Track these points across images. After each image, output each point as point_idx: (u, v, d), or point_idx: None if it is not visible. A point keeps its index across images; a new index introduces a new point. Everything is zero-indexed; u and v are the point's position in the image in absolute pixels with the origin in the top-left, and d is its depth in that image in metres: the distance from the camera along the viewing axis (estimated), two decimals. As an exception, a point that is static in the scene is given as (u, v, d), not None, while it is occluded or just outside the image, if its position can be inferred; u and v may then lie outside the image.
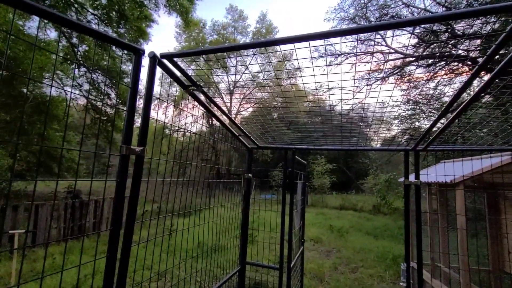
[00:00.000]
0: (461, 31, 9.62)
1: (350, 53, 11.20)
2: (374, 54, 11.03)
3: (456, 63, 10.97)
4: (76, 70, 12.99)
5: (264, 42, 1.26)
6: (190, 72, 1.67)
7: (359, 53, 10.88)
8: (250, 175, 2.68)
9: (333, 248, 7.30)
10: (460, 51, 10.47)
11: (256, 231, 7.15)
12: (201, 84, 1.65)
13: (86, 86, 13.00)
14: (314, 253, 6.85)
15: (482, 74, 10.02)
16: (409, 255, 2.15)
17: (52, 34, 11.37)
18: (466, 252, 2.64)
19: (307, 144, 3.21)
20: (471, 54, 9.97)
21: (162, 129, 17.11)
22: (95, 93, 12.46)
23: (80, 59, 11.59)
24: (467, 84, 1.25)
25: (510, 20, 7.14)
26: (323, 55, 7.69)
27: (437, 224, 3.70)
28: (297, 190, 3.10)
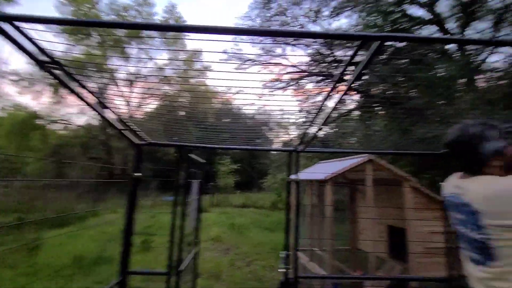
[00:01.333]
0: (340, 56, 11.86)
1: (256, 61, 11.97)
2: (277, 66, 12.14)
3: (336, 82, 13.38)
4: None
5: (157, 26, 1.11)
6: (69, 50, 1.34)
7: (264, 62, 11.80)
8: (138, 174, 2.41)
9: (233, 245, 7.58)
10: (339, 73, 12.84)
11: (155, 236, 6.64)
12: (64, 63, 1.35)
13: None
14: (213, 252, 6.93)
15: (353, 93, 12.56)
16: (288, 244, 2.47)
17: None
18: (331, 236, 3.24)
19: (215, 144, 3.18)
20: (347, 77, 12.40)
21: (32, 119, 13.60)
22: None
23: None
24: (324, 100, 1.51)
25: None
26: (232, 57, 7.90)
27: (317, 215, 4.40)
28: (192, 190, 3.03)
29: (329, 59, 10.99)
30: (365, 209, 3.96)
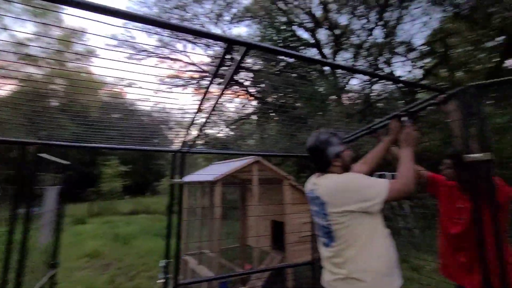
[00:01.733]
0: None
1: (153, 53, 11.00)
2: (176, 62, 11.54)
3: (237, 87, 13.88)
4: None
5: None
6: None
7: (162, 56, 10.98)
8: None
9: (115, 259, 6.59)
10: (240, 79, 13.46)
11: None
12: None
13: None
14: (88, 270, 5.81)
15: (251, 99, 13.38)
16: (169, 250, 2.30)
17: None
18: (219, 236, 3.29)
19: (100, 143, 2.59)
20: (246, 83, 13.13)
21: None
22: None
23: None
24: (201, 102, 1.47)
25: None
26: (123, 45, 6.94)
27: (208, 217, 4.37)
28: (46, 198, 2.39)
29: (229, 63, 11.31)
30: (253, 207, 4.23)
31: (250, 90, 12.74)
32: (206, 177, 3.50)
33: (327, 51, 12.56)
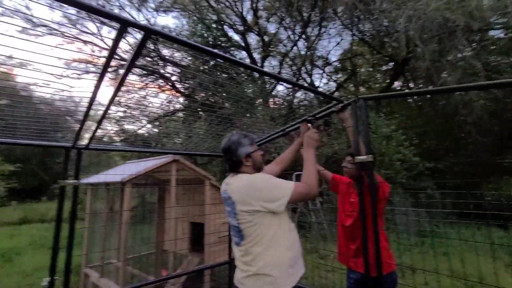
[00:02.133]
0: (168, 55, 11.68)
1: (56, 30, 9.21)
2: (88, 45, 9.99)
3: (162, 81, 12.96)
4: None
5: None
6: None
7: (69, 36, 9.34)
8: None
9: (-12, 282, 5.17)
10: (167, 73, 12.62)
11: None
12: None
13: None
14: None
15: (178, 95, 12.72)
16: (55, 266, 1.90)
17: None
18: (126, 243, 2.94)
19: None
20: (173, 78, 12.41)
21: None
22: None
23: None
24: (96, 92, 1.26)
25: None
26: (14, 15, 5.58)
27: (116, 222, 3.87)
28: None
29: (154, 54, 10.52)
30: (171, 209, 3.99)
31: (178, 86, 12.12)
32: (114, 177, 3.08)
33: (257, 55, 13.06)
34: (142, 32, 0.96)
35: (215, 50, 1.27)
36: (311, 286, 3.49)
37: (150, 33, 0.97)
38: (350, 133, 1.83)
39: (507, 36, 8.92)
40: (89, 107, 1.48)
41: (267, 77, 12.11)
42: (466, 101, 8.45)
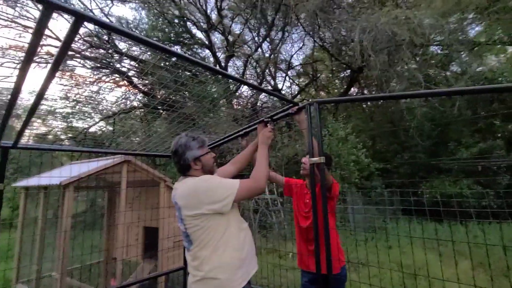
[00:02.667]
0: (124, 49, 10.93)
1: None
2: (26, 29, 8.83)
3: (117, 76, 12.08)
4: None
5: None
6: None
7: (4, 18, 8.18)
8: None
9: None
10: (124, 68, 11.80)
11: None
12: None
13: None
14: None
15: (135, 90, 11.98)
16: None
17: None
18: (66, 254, 2.64)
19: None
20: (130, 73, 11.64)
21: None
22: None
23: None
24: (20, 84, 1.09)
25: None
26: None
27: (55, 230, 3.46)
28: None
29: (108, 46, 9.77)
30: (123, 214, 3.70)
31: (136, 82, 11.41)
32: (53, 179, 2.71)
33: (221, 55, 12.90)
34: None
35: (156, 42, 1.19)
36: (267, 286, 3.52)
37: (82, 18, 0.86)
38: (306, 135, 1.87)
39: (443, 52, 10.14)
40: (12, 100, 1.27)
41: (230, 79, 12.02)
42: (411, 108, 9.40)
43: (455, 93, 1.79)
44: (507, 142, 9.01)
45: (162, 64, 9.96)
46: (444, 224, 6.73)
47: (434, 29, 7.33)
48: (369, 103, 14.73)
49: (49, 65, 1.00)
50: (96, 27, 8.86)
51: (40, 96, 1.20)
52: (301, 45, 13.10)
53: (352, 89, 13.69)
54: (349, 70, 12.93)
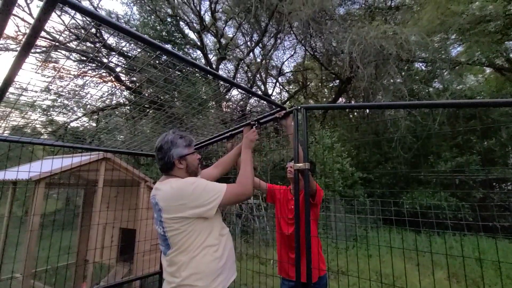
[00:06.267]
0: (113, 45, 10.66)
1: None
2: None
3: (104, 71, 11.74)
4: None
5: None
6: None
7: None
8: None
9: None
10: (111, 63, 11.47)
11: None
12: None
13: None
14: None
15: (118, 83, 11.67)
16: None
17: None
18: (32, 255, 2.46)
19: None
20: (117, 69, 11.36)
21: None
22: None
23: None
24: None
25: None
26: None
27: (24, 228, 3.24)
28: None
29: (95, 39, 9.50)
30: (99, 214, 3.53)
31: (123, 79, 11.12)
32: (21, 174, 2.53)
33: (212, 57, 12.83)
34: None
35: (147, 37, 1.13)
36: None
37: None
38: (292, 140, 1.85)
39: (427, 68, 10.57)
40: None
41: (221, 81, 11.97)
42: (395, 119, 9.69)
43: (436, 106, 1.84)
44: (483, 157, 9.44)
45: (152, 62, 9.78)
46: (422, 235, 6.91)
47: (420, 46, 7.63)
48: (355, 113, 15.08)
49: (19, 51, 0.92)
50: (85, 18, 8.59)
51: (8, 82, 1.10)
52: (292, 52, 13.28)
53: (340, 99, 13.97)
54: (338, 80, 13.20)
